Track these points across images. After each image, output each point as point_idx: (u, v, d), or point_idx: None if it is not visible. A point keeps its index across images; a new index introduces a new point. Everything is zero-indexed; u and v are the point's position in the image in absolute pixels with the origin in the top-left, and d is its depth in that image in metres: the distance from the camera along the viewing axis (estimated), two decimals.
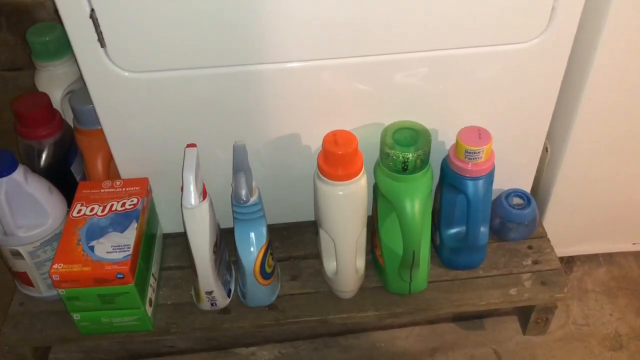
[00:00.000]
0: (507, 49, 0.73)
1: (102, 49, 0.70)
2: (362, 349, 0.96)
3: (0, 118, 1.42)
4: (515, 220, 0.88)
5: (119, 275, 0.73)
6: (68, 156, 0.90)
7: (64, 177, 0.89)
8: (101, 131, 0.85)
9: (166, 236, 0.94)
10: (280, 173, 0.87)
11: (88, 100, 0.84)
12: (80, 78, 0.99)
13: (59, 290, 0.75)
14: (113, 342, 0.92)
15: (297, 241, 0.94)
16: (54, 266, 0.73)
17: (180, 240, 0.94)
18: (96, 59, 0.71)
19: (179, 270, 0.90)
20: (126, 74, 0.72)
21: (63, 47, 0.96)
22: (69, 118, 0.91)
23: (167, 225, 0.94)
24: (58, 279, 0.73)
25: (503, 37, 0.73)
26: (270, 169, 0.86)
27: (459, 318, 0.99)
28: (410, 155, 0.74)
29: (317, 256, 0.91)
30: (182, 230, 0.93)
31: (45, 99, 0.86)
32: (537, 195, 0.95)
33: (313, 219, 0.92)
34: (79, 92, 0.87)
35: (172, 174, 0.85)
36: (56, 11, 1.44)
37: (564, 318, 0.98)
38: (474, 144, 0.76)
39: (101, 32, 0.69)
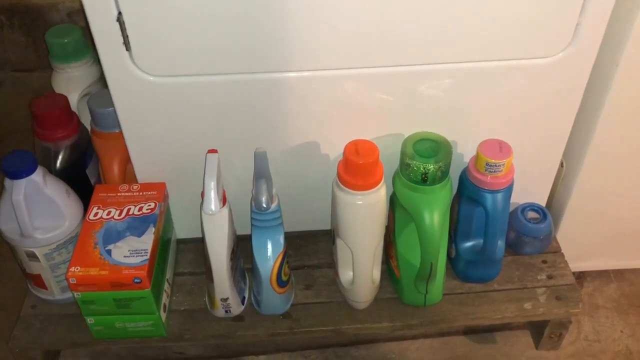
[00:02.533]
0: (530, 63, 0.74)
1: (127, 52, 0.70)
2: (373, 359, 0.96)
3: (12, 118, 1.42)
4: (531, 234, 0.88)
5: (136, 280, 0.73)
6: (84, 159, 0.90)
7: (80, 180, 0.89)
8: (118, 134, 0.85)
9: (179, 241, 0.94)
10: (297, 181, 0.87)
11: (107, 103, 0.84)
12: (98, 81, 0.99)
13: (75, 294, 0.74)
14: (122, 347, 0.91)
15: (311, 250, 0.93)
16: (71, 269, 0.73)
17: (193, 246, 0.94)
18: (120, 62, 0.71)
19: (192, 276, 0.90)
20: (149, 78, 0.72)
21: (81, 50, 0.96)
22: (85, 120, 0.91)
23: (180, 230, 0.93)
24: (75, 282, 0.73)
25: (527, 52, 0.73)
26: (287, 176, 0.85)
27: (470, 331, 0.98)
28: (432, 166, 0.74)
29: (332, 265, 0.90)
30: (196, 236, 0.93)
31: (64, 100, 0.86)
32: (550, 210, 0.95)
33: (327, 227, 0.92)
34: (98, 94, 0.87)
35: (188, 179, 0.85)
36: (69, 14, 1.45)
37: (575, 334, 0.98)
38: (495, 157, 0.76)
39: (127, 36, 0.69)
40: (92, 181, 0.92)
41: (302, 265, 0.91)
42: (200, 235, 0.91)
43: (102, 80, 1.00)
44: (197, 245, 0.94)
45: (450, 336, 0.98)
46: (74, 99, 0.94)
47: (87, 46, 0.97)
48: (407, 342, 0.98)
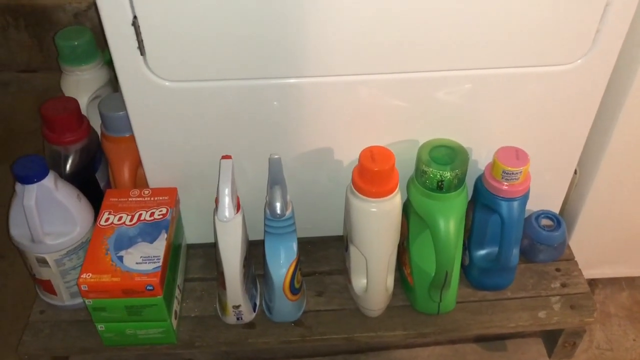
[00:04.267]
0: (548, 71, 0.73)
1: (141, 56, 0.69)
2: None
3: (17, 119, 1.41)
4: (545, 242, 0.88)
5: (148, 287, 0.72)
6: (93, 163, 0.89)
7: (89, 185, 0.87)
8: (129, 138, 0.84)
9: (188, 247, 0.93)
10: (309, 187, 0.86)
11: (118, 107, 0.83)
12: (107, 84, 0.98)
13: (86, 301, 0.73)
14: (130, 353, 0.90)
15: (322, 256, 0.92)
16: (82, 276, 0.72)
17: (202, 251, 0.93)
18: (134, 67, 0.70)
19: (202, 282, 0.89)
20: (163, 82, 0.71)
21: (91, 52, 0.95)
22: (94, 123, 0.90)
23: (189, 235, 0.92)
24: (86, 289, 0.72)
25: (545, 59, 0.72)
26: (299, 182, 0.85)
27: (481, 339, 0.97)
28: (448, 174, 0.73)
29: (343, 272, 0.90)
30: (205, 241, 0.93)
31: (74, 103, 0.84)
32: (562, 217, 0.94)
33: (338, 233, 0.92)
34: (109, 98, 0.86)
35: (199, 184, 0.84)
36: (76, 15, 1.44)
37: (587, 342, 0.97)
38: (512, 164, 0.75)
39: (142, 40, 0.68)
40: (102, 185, 0.91)
41: (313, 271, 0.90)
42: (211, 241, 0.90)
43: (111, 83, 1.00)
44: (207, 251, 0.93)
45: (460, 344, 0.97)
46: (83, 102, 0.93)
47: (96, 49, 0.96)
48: (417, 350, 0.97)
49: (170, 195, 0.82)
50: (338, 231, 0.91)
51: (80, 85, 0.94)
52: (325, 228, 0.93)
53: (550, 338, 0.91)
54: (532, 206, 0.90)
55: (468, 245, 0.85)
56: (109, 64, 1.00)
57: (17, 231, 0.76)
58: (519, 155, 0.76)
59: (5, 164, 1.29)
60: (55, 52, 1.43)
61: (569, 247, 0.93)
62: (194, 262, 0.91)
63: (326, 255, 0.92)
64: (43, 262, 0.77)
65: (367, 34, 0.69)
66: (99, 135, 0.89)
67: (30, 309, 0.97)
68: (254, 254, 0.85)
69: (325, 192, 0.87)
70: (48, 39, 1.43)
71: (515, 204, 0.78)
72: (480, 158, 0.83)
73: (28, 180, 0.72)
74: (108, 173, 0.92)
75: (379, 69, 0.72)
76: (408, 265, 0.83)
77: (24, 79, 1.48)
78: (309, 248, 0.93)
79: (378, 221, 0.75)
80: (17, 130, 1.38)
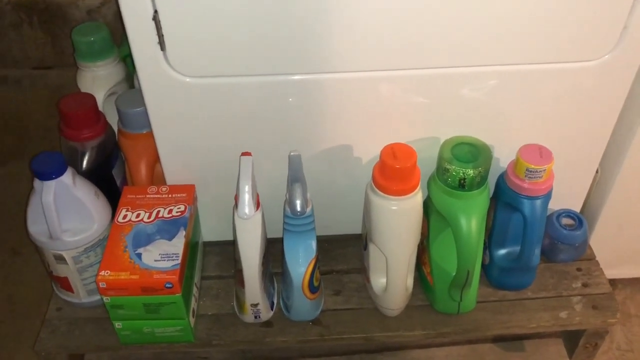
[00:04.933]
0: (573, 67, 0.72)
1: (161, 52, 0.69)
2: None
3: (30, 116, 1.41)
4: (566, 241, 0.86)
5: (167, 285, 0.71)
6: (110, 160, 0.88)
7: (106, 181, 0.87)
8: (146, 135, 0.84)
9: (204, 244, 0.92)
10: (326, 185, 0.85)
11: (136, 103, 0.83)
12: (123, 80, 0.98)
13: (104, 298, 0.72)
14: (147, 352, 0.90)
15: (339, 255, 0.91)
16: (100, 273, 0.71)
17: (219, 249, 0.92)
18: (154, 62, 0.69)
19: (219, 280, 0.88)
20: (184, 78, 0.71)
21: (107, 48, 0.94)
22: (110, 120, 0.89)
23: (205, 233, 0.91)
24: (105, 286, 0.71)
25: (571, 55, 0.71)
26: (316, 180, 0.83)
27: (499, 339, 0.96)
28: (471, 171, 0.72)
29: (361, 271, 0.89)
30: (221, 239, 0.92)
31: (92, 100, 0.84)
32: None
33: (355, 232, 0.91)
34: (126, 94, 0.85)
35: (216, 181, 0.84)
36: (89, 11, 1.43)
37: (608, 343, 0.96)
38: (535, 162, 0.74)
39: (162, 35, 0.67)
40: (118, 183, 0.91)
41: (330, 270, 0.89)
42: (227, 238, 0.90)
43: (127, 79, 0.99)
44: (223, 248, 0.93)
45: (478, 344, 0.96)
46: (99, 98, 0.92)
47: (113, 45, 0.95)
48: (435, 349, 0.96)
49: (188, 193, 0.81)
50: (355, 230, 0.90)
51: (97, 81, 0.94)
52: (342, 226, 0.92)
53: (571, 339, 0.90)
54: (553, 205, 0.88)
55: (488, 244, 0.84)
56: (125, 60, 1.00)
57: (35, 228, 0.76)
58: (543, 153, 0.75)
59: (20, 161, 1.30)
60: (69, 49, 1.44)
61: (589, 246, 0.91)
62: (210, 259, 0.91)
63: (344, 254, 0.91)
64: (60, 259, 0.77)
65: (389, 29, 0.68)
66: (116, 132, 0.88)
67: (45, 305, 0.97)
68: (271, 252, 0.84)
69: (344, 190, 0.86)
70: (62, 36, 1.43)
71: (538, 202, 0.77)
72: (502, 156, 0.81)
73: (47, 176, 0.72)
74: (124, 170, 0.91)
75: (401, 64, 0.71)
76: (428, 264, 0.82)
77: (38, 76, 1.48)
78: (326, 246, 0.92)
79: (399, 219, 0.74)
80: (31, 127, 1.38)
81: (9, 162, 1.29)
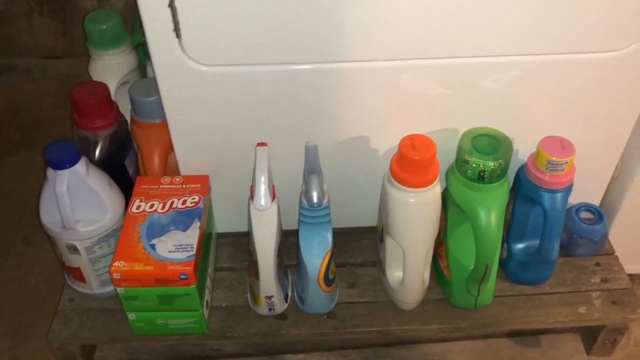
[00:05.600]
0: (599, 57, 0.70)
1: (176, 39, 0.67)
2: None
3: (40, 105, 1.40)
4: (586, 235, 0.85)
5: (182, 276, 0.70)
6: (122, 150, 0.87)
7: (118, 171, 0.86)
8: (160, 125, 0.83)
9: (217, 236, 0.91)
10: (342, 176, 0.84)
11: (149, 92, 0.82)
12: (135, 69, 0.97)
13: (118, 289, 0.72)
14: (160, 343, 0.89)
15: (353, 247, 0.90)
16: (114, 264, 0.70)
17: (232, 240, 0.91)
18: (170, 50, 0.68)
19: (232, 272, 0.87)
20: (199, 67, 0.69)
21: (119, 36, 0.93)
22: (122, 109, 0.88)
23: (218, 224, 0.90)
24: (119, 277, 0.70)
25: (598, 44, 0.69)
26: (331, 171, 0.82)
27: (515, 334, 0.95)
28: (492, 163, 0.71)
29: (375, 264, 0.88)
30: (234, 230, 0.91)
31: (104, 89, 0.83)
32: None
33: (369, 224, 0.89)
34: (140, 83, 0.84)
35: (230, 172, 0.82)
36: (100, 0, 1.42)
37: (625, 339, 0.94)
38: (557, 155, 0.72)
39: (178, 22, 0.66)
40: (130, 173, 0.90)
41: (344, 263, 0.88)
42: (240, 230, 0.89)
43: (139, 68, 0.98)
44: (236, 240, 0.92)
45: (494, 338, 0.95)
46: (111, 87, 0.91)
47: (125, 33, 0.94)
48: (450, 344, 0.95)
49: (202, 183, 0.80)
50: (370, 222, 0.89)
51: (109, 70, 0.93)
52: (357, 219, 0.91)
53: (589, 334, 0.89)
54: (572, 198, 0.86)
55: (506, 238, 0.83)
56: (137, 49, 0.98)
57: (48, 217, 0.75)
58: (565, 146, 0.74)
59: (29, 151, 1.29)
60: (79, 38, 1.43)
61: (608, 241, 0.90)
62: (222, 251, 0.90)
63: (358, 247, 0.90)
64: (73, 249, 0.76)
65: (410, 16, 0.66)
66: (128, 121, 0.87)
67: (57, 296, 0.96)
68: (285, 244, 0.83)
69: (359, 181, 0.84)
70: (72, 25, 1.42)
71: (559, 195, 0.75)
72: (521, 148, 0.80)
73: (60, 165, 0.71)
74: (136, 160, 0.90)
75: (422, 53, 0.69)
76: (445, 257, 0.81)
77: (48, 65, 1.47)
78: (340, 239, 0.90)
79: (416, 212, 0.73)
80: (41, 116, 1.37)
81: (18, 152, 1.29)
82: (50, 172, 0.72)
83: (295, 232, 0.77)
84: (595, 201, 0.89)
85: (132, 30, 1.01)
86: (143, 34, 0.90)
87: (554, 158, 0.73)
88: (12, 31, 1.42)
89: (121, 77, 0.93)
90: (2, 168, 1.25)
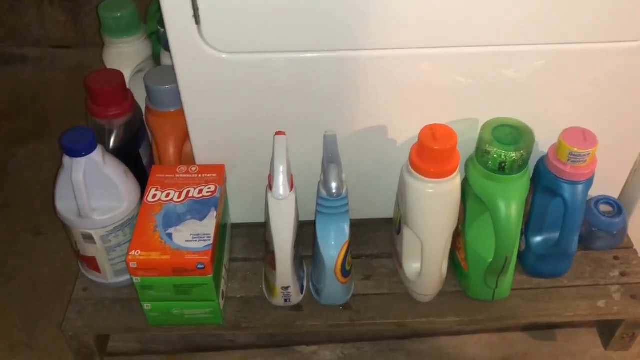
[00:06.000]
0: (627, 47, 0.69)
1: (196, 26, 0.66)
2: (428, 354, 0.92)
3: (50, 95, 1.40)
4: (605, 228, 0.84)
5: (199, 266, 0.70)
6: (137, 138, 0.86)
7: (133, 160, 0.85)
8: (175, 113, 0.82)
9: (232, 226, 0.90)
10: (358, 167, 0.83)
11: (165, 80, 0.81)
12: (149, 58, 0.96)
13: (134, 279, 0.71)
14: (174, 334, 0.88)
15: (369, 239, 0.89)
16: (131, 253, 0.70)
17: (246, 231, 0.90)
18: (189, 36, 0.67)
19: (247, 262, 0.86)
20: (218, 54, 0.69)
21: (134, 24, 0.92)
22: (136, 97, 0.87)
23: (233, 215, 0.90)
24: (135, 266, 0.69)
25: (625, 33, 0.68)
26: (347, 161, 0.81)
27: (530, 327, 0.94)
28: (514, 154, 0.70)
29: (391, 256, 0.87)
30: (248, 221, 0.90)
31: (120, 76, 0.82)
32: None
33: (385, 216, 0.89)
34: (155, 71, 0.84)
35: (245, 162, 0.82)
36: None
37: None
38: (579, 146, 0.72)
39: (197, 8, 0.65)
40: (144, 162, 0.89)
41: (360, 254, 0.87)
42: (254, 220, 0.89)
43: (153, 57, 0.97)
44: (250, 230, 0.91)
45: (509, 332, 0.94)
46: (126, 75, 0.89)
47: (140, 21, 0.93)
48: (464, 337, 0.94)
49: (218, 173, 0.79)
50: (385, 214, 0.88)
51: (123, 57, 0.92)
52: (372, 210, 0.90)
53: (607, 328, 0.88)
54: (591, 191, 0.86)
55: (525, 230, 0.82)
56: (151, 37, 0.97)
57: (64, 206, 0.74)
58: (587, 137, 0.73)
59: (40, 141, 1.28)
60: (90, 28, 1.42)
61: (627, 235, 0.89)
62: (237, 242, 0.89)
63: (373, 238, 0.90)
64: (89, 238, 0.75)
65: (433, 4, 0.65)
66: (143, 109, 0.87)
67: (69, 286, 0.96)
68: (301, 235, 0.82)
69: (375, 172, 0.84)
70: (82, 15, 1.41)
71: (580, 187, 0.74)
72: (541, 139, 0.79)
73: (77, 153, 0.70)
74: (151, 149, 0.90)
75: (444, 42, 0.68)
76: (462, 250, 0.80)
77: (57, 55, 1.46)
78: (356, 230, 0.88)
79: (436, 203, 0.72)
80: (51, 106, 1.37)
81: (29, 142, 1.28)
82: (66, 159, 0.71)
83: (310, 223, 0.77)
84: (615, 194, 0.88)
85: (145, 18, 1.00)
86: (158, 22, 0.89)
87: (576, 149, 0.72)
88: (23, 21, 1.41)
89: (135, 65, 0.92)
90: (12, 158, 1.24)
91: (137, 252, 0.70)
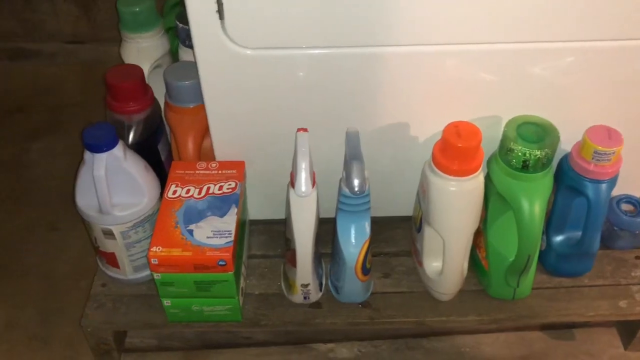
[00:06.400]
0: None
1: (219, 21, 0.66)
2: (446, 352, 0.91)
3: (63, 90, 1.39)
4: (626, 227, 0.83)
5: (220, 263, 0.69)
6: (156, 134, 0.86)
7: (152, 156, 0.85)
8: (194, 109, 0.82)
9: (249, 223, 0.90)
10: (378, 164, 0.82)
11: (185, 76, 0.80)
12: (167, 53, 0.95)
13: (155, 275, 0.71)
14: (192, 330, 0.88)
15: (387, 237, 0.89)
16: (152, 249, 0.69)
17: (263, 228, 0.90)
18: (212, 32, 0.67)
19: (265, 259, 0.86)
20: (242, 50, 0.68)
21: (153, 19, 0.92)
22: (155, 93, 0.87)
23: (250, 211, 0.89)
24: (156, 262, 0.69)
25: None
26: (367, 158, 0.81)
27: (548, 326, 0.94)
28: (538, 152, 0.69)
29: (410, 254, 0.86)
30: (265, 217, 0.90)
31: (139, 71, 0.81)
32: None
33: (404, 214, 0.88)
34: (175, 67, 0.83)
35: (264, 158, 0.81)
36: None
37: None
38: (604, 144, 0.71)
39: (222, 3, 0.64)
40: (162, 158, 0.89)
41: (379, 252, 0.87)
42: (271, 217, 0.88)
43: (171, 52, 0.97)
44: (267, 227, 0.91)
45: (527, 331, 0.93)
46: (144, 71, 0.89)
47: (158, 16, 0.93)
48: (482, 336, 0.93)
49: (238, 169, 0.79)
50: (404, 211, 0.88)
51: (141, 53, 0.91)
52: (391, 208, 0.89)
53: (628, 329, 0.87)
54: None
55: (546, 229, 0.81)
56: (168, 32, 0.97)
57: (84, 202, 0.74)
58: (612, 135, 0.72)
59: (54, 135, 1.28)
60: (103, 23, 1.42)
61: None
62: (254, 238, 0.89)
63: (392, 236, 0.89)
64: (109, 234, 0.75)
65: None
66: (162, 105, 0.86)
67: (83, 281, 0.96)
68: (319, 232, 0.81)
69: (396, 169, 0.83)
70: (95, 10, 1.41)
71: (604, 186, 0.73)
72: (564, 137, 0.78)
73: (98, 149, 0.70)
74: (169, 145, 0.89)
75: (470, 38, 0.67)
76: (483, 248, 0.79)
77: (71, 50, 1.46)
78: (374, 227, 0.88)
79: (458, 201, 0.72)
80: (65, 101, 1.36)
81: (43, 136, 1.28)
82: (87, 155, 0.71)
83: (327, 220, 0.76)
84: (637, 192, 0.87)
85: (162, 14, 1.00)
86: (177, 18, 0.89)
87: (601, 148, 0.71)
88: (37, 16, 1.41)
89: (154, 60, 0.92)
90: (27, 152, 1.24)
91: (159, 249, 0.69)
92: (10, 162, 1.22)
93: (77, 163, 0.74)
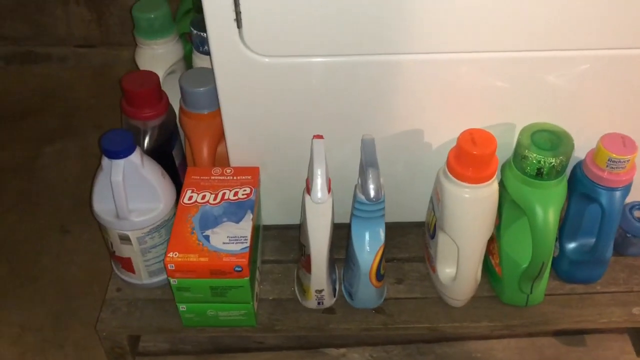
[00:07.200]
0: None
1: (237, 29, 0.66)
2: (457, 358, 0.92)
3: (74, 94, 1.40)
4: (639, 234, 0.83)
5: (237, 268, 0.70)
6: (170, 140, 0.87)
7: (166, 162, 0.85)
8: (209, 115, 0.82)
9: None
10: (391, 170, 0.82)
11: (200, 82, 0.81)
12: (182, 59, 0.96)
13: (171, 280, 0.71)
14: (206, 335, 0.89)
15: (400, 242, 0.89)
16: (169, 254, 0.70)
17: (277, 233, 0.90)
18: (229, 39, 0.67)
19: (278, 265, 0.87)
20: (260, 58, 0.69)
21: (167, 26, 0.92)
22: (169, 99, 0.88)
23: (264, 216, 0.90)
24: (173, 268, 0.70)
25: None
26: (382, 164, 0.81)
27: (559, 332, 0.94)
28: (552, 160, 0.70)
29: (423, 259, 0.87)
30: (279, 223, 0.91)
31: (155, 78, 0.82)
32: None
33: (416, 219, 0.89)
34: (191, 73, 0.84)
35: (278, 164, 0.82)
36: None
37: None
38: (619, 152, 0.71)
39: (240, 12, 0.65)
40: (177, 163, 0.89)
41: (391, 258, 0.87)
42: (284, 223, 0.89)
43: (185, 59, 0.97)
44: (280, 232, 0.91)
45: (538, 337, 0.94)
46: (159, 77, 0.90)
47: (173, 22, 0.94)
48: (493, 342, 0.93)
49: (252, 175, 0.79)
50: (416, 217, 0.88)
51: (156, 59, 0.92)
52: (404, 213, 0.89)
53: (639, 335, 0.87)
54: None
55: (560, 236, 0.81)
56: (181, 38, 0.98)
57: (101, 207, 0.75)
58: (626, 143, 0.72)
59: (65, 139, 1.29)
60: (115, 27, 1.43)
61: None
62: (268, 243, 0.89)
63: (405, 242, 0.89)
64: (125, 239, 0.76)
65: (474, 6, 0.65)
66: (177, 111, 0.87)
67: (96, 285, 0.97)
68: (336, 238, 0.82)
69: (409, 176, 0.83)
70: (107, 14, 1.42)
71: (618, 194, 0.74)
72: (577, 145, 0.78)
73: (116, 155, 0.71)
74: (183, 151, 0.90)
75: (485, 46, 0.68)
76: (497, 254, 0.80)
77: (82, 54, 1.47)
78: (387, 234, 0.89)
79: (473, 208, 0.72)
80: (76, 105, 1.37)
81: (55, 140, 1.29)
82: (105, 161, 0.72)
83: (340, 226, 0.76)
84: None
85: (175, 19, 1.00)
86: (191, 24, 0.89)
87: (615, 155, 0.71)
88: (49, 19, 1.42)
89: (168, 66, 0.92)
90: (39, 157, 1.25)
91: (175, 254, 0.70)
92: (22, 166, 1.23)
93: (89, 166, 0.74)
